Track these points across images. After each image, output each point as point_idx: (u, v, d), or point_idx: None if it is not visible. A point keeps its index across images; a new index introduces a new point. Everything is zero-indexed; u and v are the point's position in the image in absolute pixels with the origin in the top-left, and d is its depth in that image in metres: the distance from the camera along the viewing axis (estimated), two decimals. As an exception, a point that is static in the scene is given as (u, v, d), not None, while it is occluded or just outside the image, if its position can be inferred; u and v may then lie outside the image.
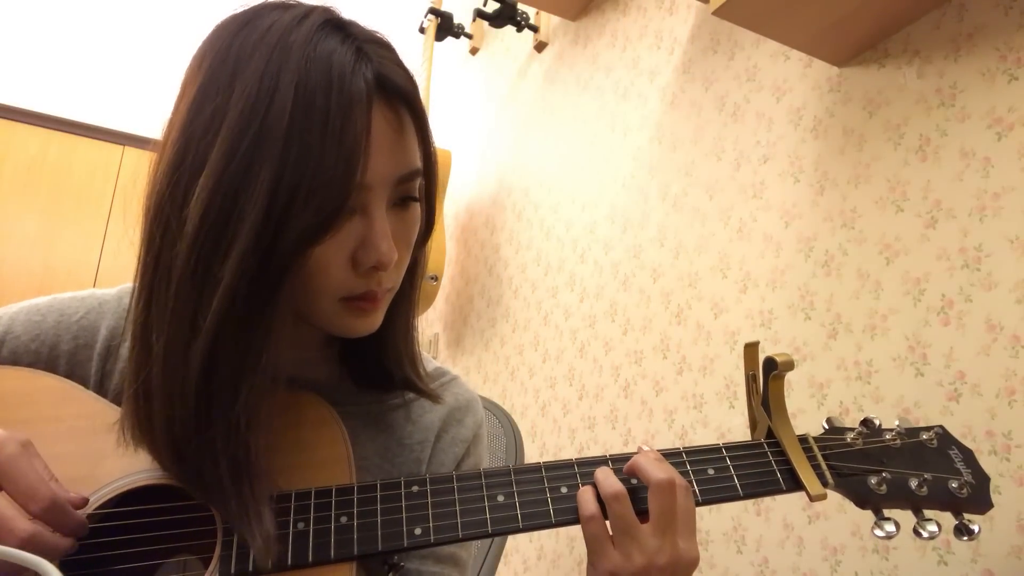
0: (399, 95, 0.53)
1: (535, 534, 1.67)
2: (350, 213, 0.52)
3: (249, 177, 0.47)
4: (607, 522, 0.54)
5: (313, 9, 0.53)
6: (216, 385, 0.49)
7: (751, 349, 0.64)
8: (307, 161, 0.47)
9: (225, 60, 0.50)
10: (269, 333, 0.50)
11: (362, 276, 0.54)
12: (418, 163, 0.55)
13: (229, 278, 0.47)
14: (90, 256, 3.35)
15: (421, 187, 0.58)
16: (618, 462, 0.57)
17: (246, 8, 0.53)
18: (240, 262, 0.47)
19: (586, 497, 0.54)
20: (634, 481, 0.55)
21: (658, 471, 0.54)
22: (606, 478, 0.55)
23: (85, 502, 0.51)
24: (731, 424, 1.18)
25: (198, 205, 0.48)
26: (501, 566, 1.77)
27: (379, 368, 0.65)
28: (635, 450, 0.58)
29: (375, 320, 0.57)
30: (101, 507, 0.53)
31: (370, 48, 0.52)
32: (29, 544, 0.44)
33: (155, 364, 0.50)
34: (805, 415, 1.05)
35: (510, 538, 1.62)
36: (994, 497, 0.61)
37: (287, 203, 0.47)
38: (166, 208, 0.50)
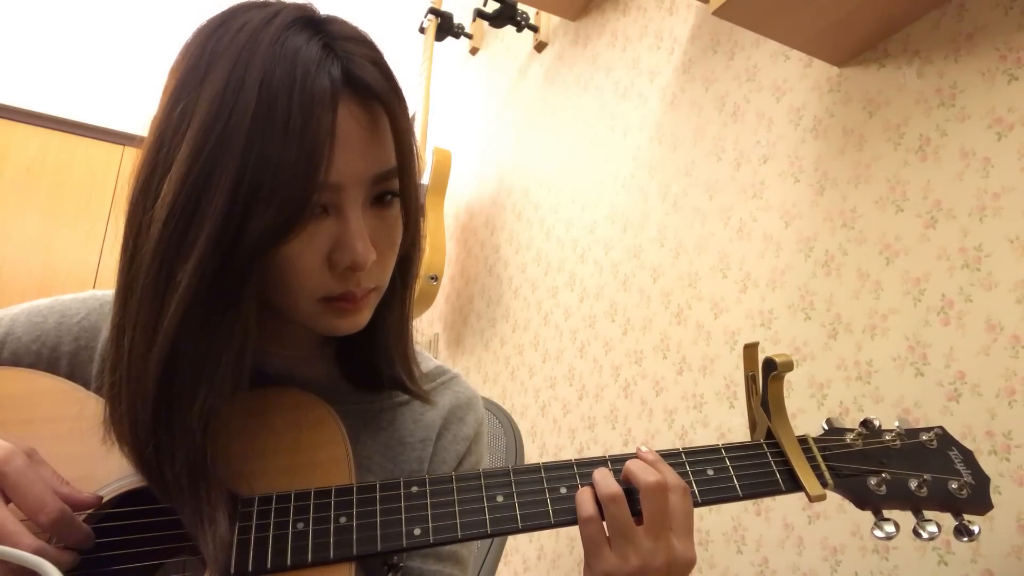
0: (371, 92, 0.51)
1: (535, 534, 1.67)
2: (323, 213, 0.52)
3: (212, 179, 0.47)
4: (604, 524, 0.54)
5: (285, 7, 0.52)
6: (175, 389, 0.49)
7: (751, 350, 0.64)
8: (268, 161, 0.47)
9: (198, 62, 0.51)
10: (231, 337, 0.50)
11: (339, 277, 0.53)
12: (394, 161, 0.54)
13: (188, 281, 0.47)
14: (90, 256, 3.35)
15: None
16: (617, 463, 0.57)
17: (224, 9, 0.53)
18: (199, 265, 0.47)
19: (584, 498, 0.54)
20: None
21: (647, 475, 0.54)
22: (603, 479, 0.54)
23: (99, 500, 0.51)
24: (731, 424, 1.18)
25: (163, 207, 0.48)
26: (501, 566, 1.77)
27: (370, 367, 0.64)
28: (635, 450, 0.58)
29: (359, 319, 0.57)
30: (101, 507, 0.53)
31: (342, 44, 0.51)
32: None
33: (122, 366, 0.50)
34: (805, 415, 1.05)
35: (510, 538, 1.62)
36: (994, 497, 0.61)
37: (248, 204, 0.47)
38: (139, 210, 0.51)
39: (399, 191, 0.55)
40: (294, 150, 0.47)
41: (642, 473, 0.54)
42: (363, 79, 0.51)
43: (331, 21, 0.54)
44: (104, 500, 0.52)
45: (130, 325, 0.50)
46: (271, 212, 0.47)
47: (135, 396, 0.50)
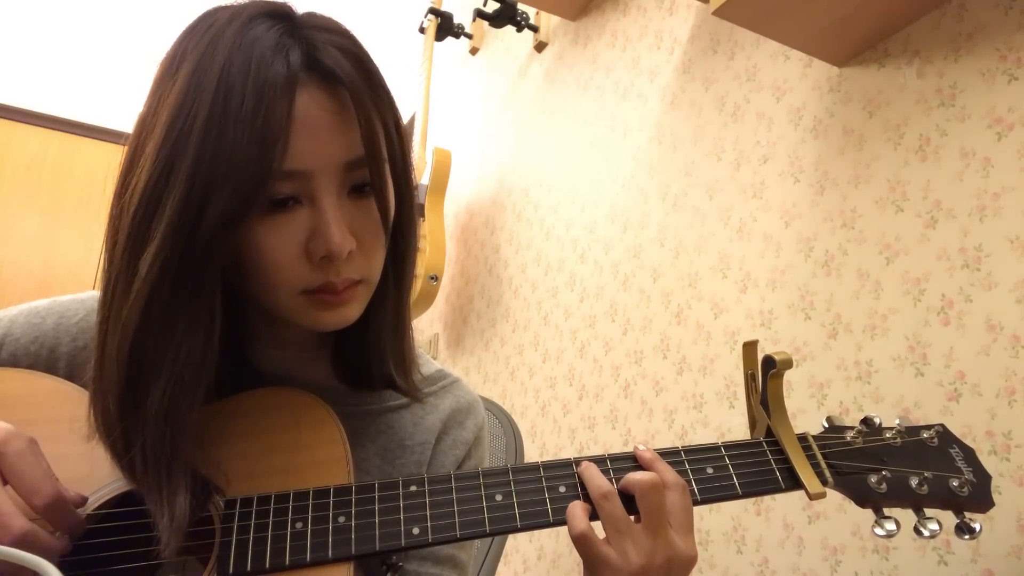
0: (335, 77, 0.51)
1: (535, 534, 1.67)
2: (296, 204, 0.52)
3: (173, 170, 0.48)
4: (599, 523, 0.53)
5: (254, 4, 0.53)
6: (139, 377, 0.50)
7: (750, 348, 0.64)
8: (223, 148, 0.47)
9: (170, 64, 0.52)
10: (194, 326, 0.50)
11: (318, 267, 0.53)
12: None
13: (147, 269, 0.48)
14: (90, 256, 3.35)
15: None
16: (617, 461, 0.57)
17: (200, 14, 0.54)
18: (158, 253, 0.48)
19: (575, 513, 0.53)
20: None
21: (638, 475, 0.54)
22: (592, 479, 0.54)
23: (84, 500, 0.51)
24: (731, 424, 1.18)
25: (131, 201, 0.49)
26: (501, 566, 1.77)
27: (363, 364, 0.63)
28: (633, 450, 0.58)
29: (346, 312, 0.56)
30: (101, 507, 0.53)
31: (306, 32, 0.51)
32: (24, 541, 0.45)
33: (98, 359, 0.51)
34: (805, 415, 1.05)
35: (510, 538, 1.61)
36: (994, 497, 0.61)
37: (204, 191, 0.47)
38: (115, 210, 0.52)
39: (371, 181, 0.54)
40: (245, 136, 0.47)
41: (633, 475, 0.54)
42: (325, 64, 0.51)
43: (304, 14, 0.54)
44: (102, 500, 0.53)
45: (107, 320, 0.51)
46: (224, 198, 0.48)
47: (106, 386, 0.51)
